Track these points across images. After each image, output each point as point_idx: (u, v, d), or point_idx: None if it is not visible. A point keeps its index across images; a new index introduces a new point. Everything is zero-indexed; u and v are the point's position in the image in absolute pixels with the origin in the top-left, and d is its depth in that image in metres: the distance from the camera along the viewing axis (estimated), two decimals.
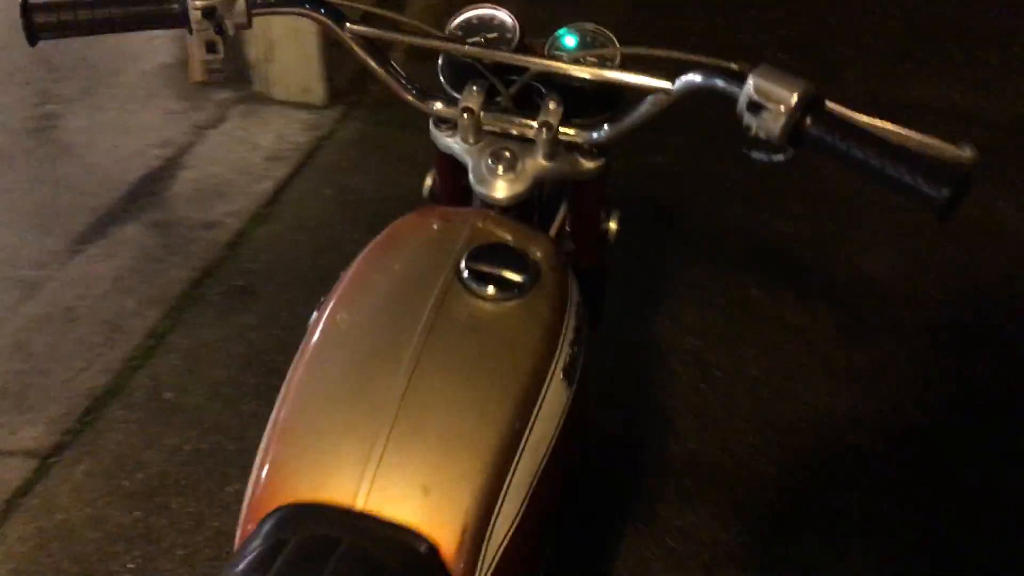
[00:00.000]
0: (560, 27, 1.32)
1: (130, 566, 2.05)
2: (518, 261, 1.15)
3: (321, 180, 3.17)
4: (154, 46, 3.78)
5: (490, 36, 1.31)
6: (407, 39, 1.28)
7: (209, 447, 2.30)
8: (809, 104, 1.00)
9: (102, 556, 2.06)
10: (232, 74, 3.59)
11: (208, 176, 3.18)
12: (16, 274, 2.80)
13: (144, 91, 3.61)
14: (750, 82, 1.02)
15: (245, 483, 1.04)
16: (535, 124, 1.24)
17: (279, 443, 1.02)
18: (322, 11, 1.24)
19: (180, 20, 1.17)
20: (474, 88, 1.25)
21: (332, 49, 3.45)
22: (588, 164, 1.32)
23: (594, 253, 1.52)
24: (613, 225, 1.47)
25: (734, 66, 1.09)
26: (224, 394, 2.43)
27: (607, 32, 1.30)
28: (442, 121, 1.32)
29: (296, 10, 1.23)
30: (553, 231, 1.49)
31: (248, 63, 3.51)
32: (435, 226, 1.22)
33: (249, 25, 1.22)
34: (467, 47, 1.25)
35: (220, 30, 1.17)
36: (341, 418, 1.01)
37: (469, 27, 1.32)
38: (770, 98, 1.01)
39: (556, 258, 1.22)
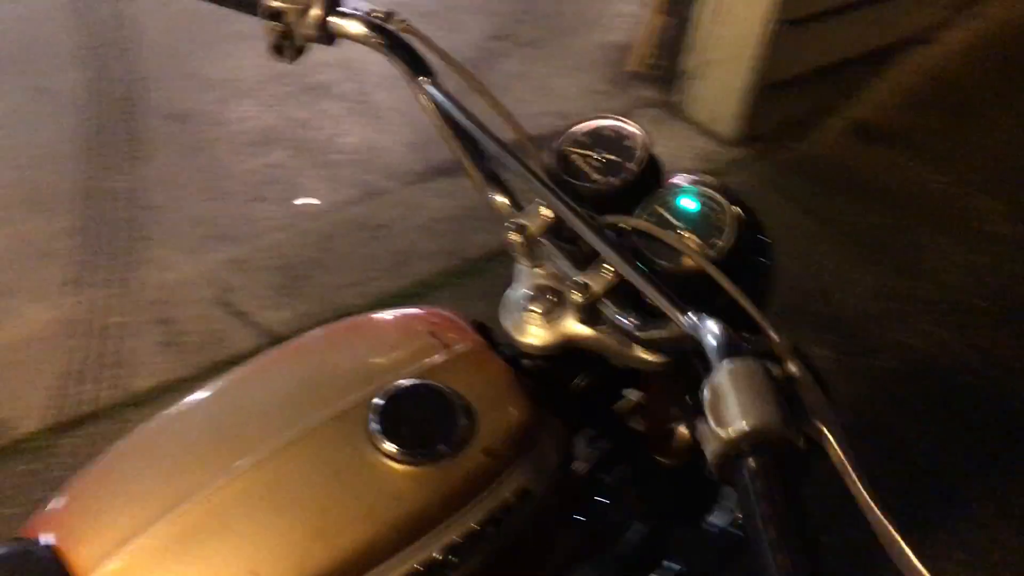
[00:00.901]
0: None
1: None
2: (447, 418, 0.94)
3: None
4: (616, 22, 3.77)
5: (608, 156, 1.06)
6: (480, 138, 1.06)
7: None
8: (758, 446, 0.67)
9: None
10: (668, 76, 3.48)
11: None
12: (366, 179, 3.03)
13: (582, 60, 3.64)
14: (721, 373, 0.71)
15: None
16: (577, 276, 0.98)
17: (81, 476, 0.96)
18: (404, 55, 1.08)
19: (249, 8, 1.10)
20: (540, 208, 1.02)
21: (771, 89, 3.19)
22: (645, 356, 1.03)
23: (666, 452, 1.22)
24: (685, 431, 1.16)
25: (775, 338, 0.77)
26: None
27: (726, 207, 0.99)
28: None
29: (374, 42, 1.09)
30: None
31: (681, 72, 3.35)
32: (392, 335, 1.04)
33: (326, 41, 1.11)
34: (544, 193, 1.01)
35: (286, 36, 1.08)
36: (133, 486, 0.91)
37: (593, 138, 1.08)
38: (718, 409, 0.69)
39: (520, 429, 0.99)
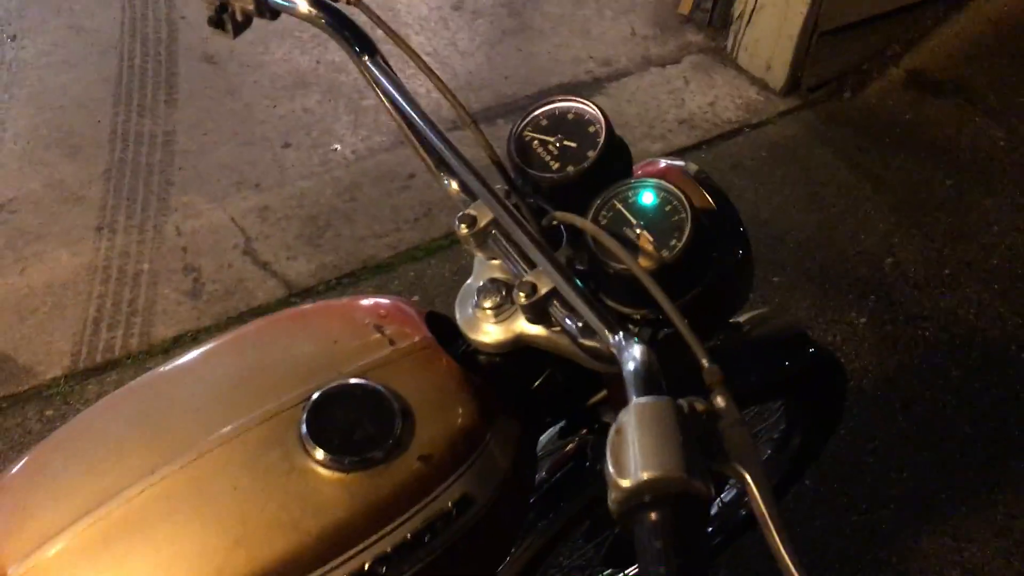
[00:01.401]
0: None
1: None
2: (383, 422, 0.90)
3: (706, 165, 2.84)
4: None
5: (568, 143, 0.98)
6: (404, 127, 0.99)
7: None
8: (659, 499, 0.62)
9: None
10: (718, 21, 3.32)
11: (613, 111, 2.99)
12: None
13: (629, 1, 3.49)
14: (629, 412, 0.65)
15: None
16: (525, 276, 0.92)
17: (2, 475, 0.95)
18: (346, 33, 1.01)
19: None
20: (488, 196, 0.95)
21: (825, 36, 3.02)
22: (596, 363, 0.97)
23: None
24: None
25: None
26: None
27: (686, 205, 0.91)
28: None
29: (315, 18, 1.02)
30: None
31: (732, 16, 3.19)
32: (335, 329, 0.99)
33: (268, 16, 1.04)
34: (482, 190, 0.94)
35: (225, 9, 1.02)
36: (54, 486, 0.89)
37: (554, 122, 1.01)
38: (619, 454, 0.64)
39: (460, 433, 0.94)
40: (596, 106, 1.00)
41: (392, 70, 1.01)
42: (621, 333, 0.76)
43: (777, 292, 2.52)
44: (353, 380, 0.92)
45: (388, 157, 2.85)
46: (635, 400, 0.65)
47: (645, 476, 0.61)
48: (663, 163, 1.10)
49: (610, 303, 0.95)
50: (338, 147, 2.87)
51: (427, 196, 2.72)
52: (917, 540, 2.07)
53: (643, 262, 0.90)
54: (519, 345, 0.97)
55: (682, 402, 0.66)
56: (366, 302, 1.04)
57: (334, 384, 0.91)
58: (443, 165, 1.00)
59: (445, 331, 1.03)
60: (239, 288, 2.47)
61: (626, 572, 1.72)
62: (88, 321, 2.38)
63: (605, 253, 0.90)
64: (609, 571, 1.68)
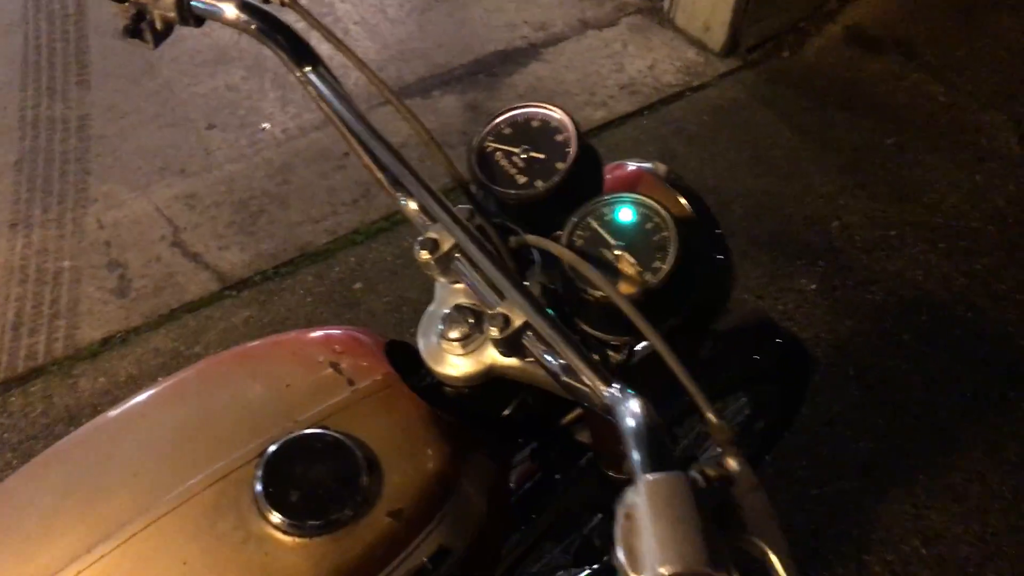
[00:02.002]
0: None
1: None
2: (346, 477, 0.82)
3: (647, 139, 2.78)
4: None
5: (534, 154, 0.90)
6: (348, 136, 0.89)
7: None
8: None
9: None
10: None
11: (552, 79, 2.93)
12: None
13: None
14: (639, 491, 0.58)
15: None
16: (496, 306, 0.83)
17: None
18: (282, 40, 0.91)
19: None
20: (448, 219, 0.86)
21: None
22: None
23: (615, 465, 1.10)
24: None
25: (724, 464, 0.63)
26: None
27: (669, 221, 0.84)
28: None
29: (244, 24, 0.91)
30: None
31: None
32: (287, 370, 0.90)
33: (192, 23, 0.93)
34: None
35: (141, 18, 0.90)
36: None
37: (515, 128, 0.92)
38: (632, 542, 0.57)
39: (439, 481, 0.86)
40: (563, 111, 0.91)
41: (337, 81, 0.91)
42: (616, 387, 0.69)
43: None
44: (310, 430, 0.83)
45: (320, 136, 2.72)
46: (644, 478, 0.57)
47: (665, 572, 0.54)
48: (631, 166, 1.02)
49: (588, 330, 0.87)
50: (267, 126, 2.73)
51: (364, 176, 2.60)
52: (877, 510, 2.06)
53: (624, 288, 0.82)
54: (489, 377, 0.89)
55: (695, 474, 0.59)
56: (318, 334, 0.95)
57: (289, 436, 0.83)
58: (398, 184, 0.90)
59: (407, 361, 0.94)
60: (169, 283, 2.34)
61: (594, 568, 1.67)
62: (7, 326, 2.23)
63: (582, 279, 0.82)
64: (584, 572, 1.63)
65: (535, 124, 0.91)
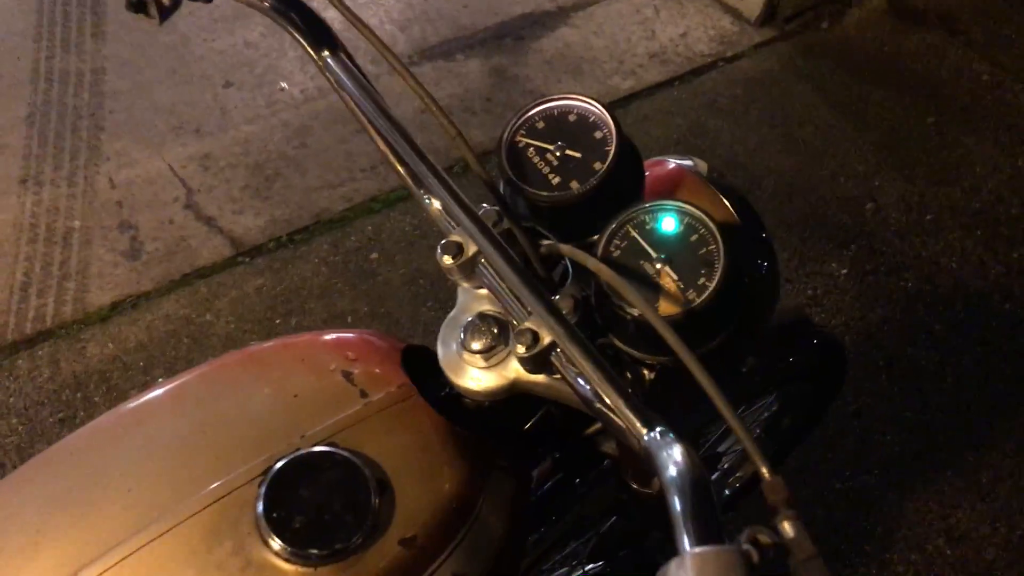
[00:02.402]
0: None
1: None
2: (356, 501, 0.76)
3: (677, 112, 2.68)
4: None
5: (571, 152, 0.82)
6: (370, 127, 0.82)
7: None
8: None
9: None
10: None
11: (580, 45, 2.83)
12: None
13: None
14: (684, 568, 0.51)
15: None
16: (524, 321, 0.77)
17: None
18: (302, 21, 0.83)
19: None
20: (471, 223, 0.79)
21: None
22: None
23: (640, 478, 1.03)
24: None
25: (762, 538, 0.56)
26: None
27: (716, 234, 0.76)
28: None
29: (261, 4, 0.84)
30: None
31: None
32: (296, 378, 0.83)
33: None
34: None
35: None
36: None
37: (549, 122, 0.84)
38: None
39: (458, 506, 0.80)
40: (602, 105, 0.83)
41: (358, 68, 0.84)
42: (659, 430, 0.62)
43: None
44: (318, 447, 0.77)
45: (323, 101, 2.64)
46: (690, 552, 0.51)
47: None
48: (672, 163, 0.95)
49: (621, 346, 0.80)
50: (285, 86, 2.65)
51: (370, 149, 2.52)
52: (902, 507, 2.00)
53: (665, 307, 0.75)
54: (513, 393, 0.83)
55: (747, 546, 0.52)
56: (330, 338, 0.88)
57: (295, 453, 0.77)
58: (420, 181, 0.83)
59: (425, 368, 0.88)
60: (181, 247, 2.28)
61: (610, 562, 1.62)
62: (15, 287, 2.18)
63: (620, 296, 0.75)
64: (596, 565, 1.58)
65: (571, 119, 0.84)
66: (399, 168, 0.83)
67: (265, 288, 2.20)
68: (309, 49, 0.83)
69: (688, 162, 0.95)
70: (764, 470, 0.58)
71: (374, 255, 2.28)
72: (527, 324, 0.73)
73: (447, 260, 0.79)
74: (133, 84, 2.63)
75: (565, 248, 0.75)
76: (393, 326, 2.14)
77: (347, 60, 0.83)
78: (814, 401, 1.55)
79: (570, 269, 0.81)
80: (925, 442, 2.09)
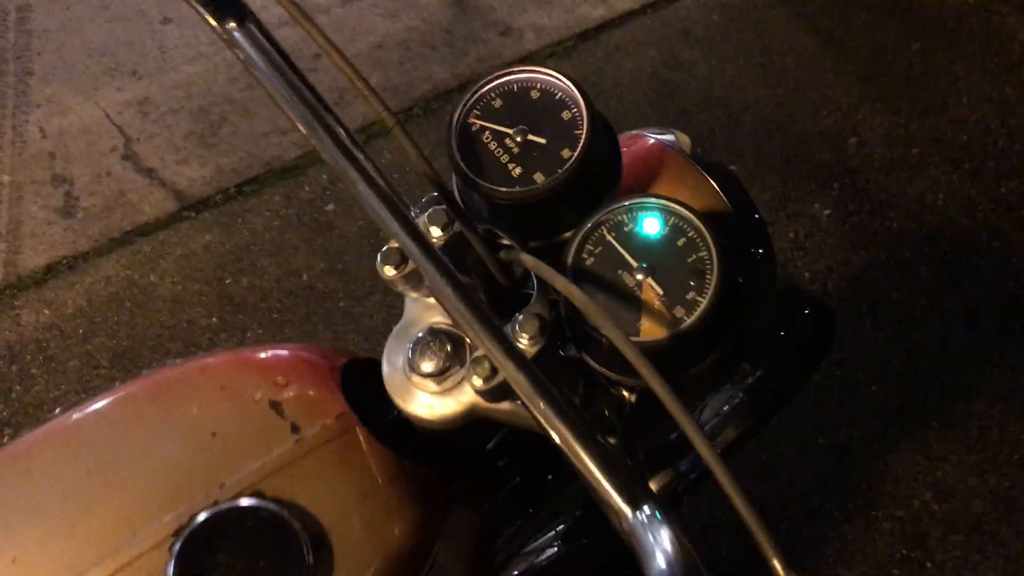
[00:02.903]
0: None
1: None
2: (286, 561, 0.64)
3: (650, 42, 2.52)
4: None
5: (534, 137, 0.69)
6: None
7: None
8: None
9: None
10: None
11: None
12: None
13: None
14: None
15: None
16: (480, 351, 0.65)
17: None
18: None
19: None
20: (433, 220, 0.66)
21: None
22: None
23: None
24: None
25: None
26: None
27: (708, 238, 0.64)
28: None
29: None
30: None
31: None
32: (215, 412, 0.70)
33: None
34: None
35: None
36: None
37: (508, 100, 0.70)
38: None
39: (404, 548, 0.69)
40: (569, 79, 0.69)
41: (274, 42, 0.69)
42: (646, 511, 0.50)
43: None
44: (241, 500, 0.65)
45: (290, 33, 2.43)
46: None
47: None
48: (650, 139, 0.81)
49: (597, 367, 0.68)
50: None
51: (336, 81, 2.35)
52: (888, 461, 1.92)
53: (648, 328, 0.63)
54: (471, 419, 0.71)
55: None
56: (256, 357, 0.75)
57: (213, 508, 0.64)
58: (353, 179, 0.69)
59: (371, 386, 0.75)
60: (121, 202, 2.12)
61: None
62: None
63: (592, 323, 0.62)
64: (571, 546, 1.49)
65: (534, 96, 0.70)
66: (329, 158, 0.69)
67: (213, 245, 2.05)
68: (209, 18, 0.68)
69: (668, 137, 0.81)
70: (773, 559, 0.47)
71: (330, 206, 2.14)
72: (483, 351, 0.61)
73: (388, 271, 0.66)
74: (62, 22, 2.42)
75: (528, 260, 0.62)
76: (351, 283, 2.01)
77: (258, 32, 0.69)
78: (803, 368, 1.45)
79: (536, 287, 0.68)
80: (911, 392, 2.01)
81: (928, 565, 1.81)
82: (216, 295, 1.97)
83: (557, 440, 0.55)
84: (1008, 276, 2.15)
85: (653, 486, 0.77)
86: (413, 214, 0.72)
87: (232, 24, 0.68)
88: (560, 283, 0.59)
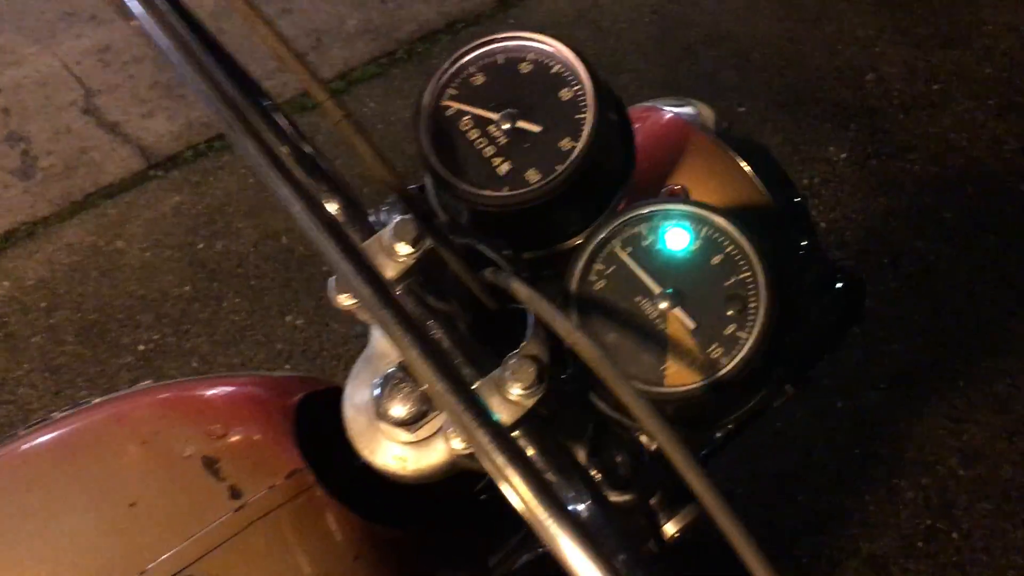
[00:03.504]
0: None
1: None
2: None
3: None
4: None
5: (526, 124, 0.54)
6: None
7: None
8: None
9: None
10: None
11: None
12: None
13: None
14: None
15: None
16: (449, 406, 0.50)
17: None
18: None
19: None
20: (399, 235, 0.52)
21: None
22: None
23: None
24: None
25: None
26: None
27: (753, 257, 0.49)
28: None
29: None
30: None
31: None
32: (135, 473, 0.57)
33: None
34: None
35: None
36: None
37: (493, 76, 0.55)
38: None
39: None
40: (569, 46, 0.54)
41: (191, 18, 0.55)
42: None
43: (745, 126, 2.11)
44: None
45: None
46: None
47: None
48: (666, 113, 0.66)
49: (607, 411, 0.54)
50: None
51: (315, 22, 2.18)
52: (910, 425, 1.80)
53: (674, 374, 0.49)
54: (453, 472, 0.57)
55: None
56: (190, 398, 0.61)
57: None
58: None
59: (335, 421, 0.61)
60: (82, 161, 1.96)
61: None
62: None
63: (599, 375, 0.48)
64: None
65: (524, 70, 0.55)
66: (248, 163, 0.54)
67: (184, 206, 1.90)
68: None
69: (688, 110, 0.66)
70: None
71: None
72: None
73: (343, 300, 0.52)
74: None
75: (522, 292, 0.48)
76: None
77: (170, 9, 0.54)
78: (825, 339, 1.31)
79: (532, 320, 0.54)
80: (936, 350, 1.88)
81: (954, 536, 1.70)
82: (188, 261, 1.83)
83: (537, 532, 0.42)
84: None
85: (674, 526, 0.65)
86: (373, 219, 0.58)
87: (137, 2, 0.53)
88: (562, 328, 0.45)
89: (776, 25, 2.26)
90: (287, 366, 1.70)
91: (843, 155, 2.10)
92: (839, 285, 1.10)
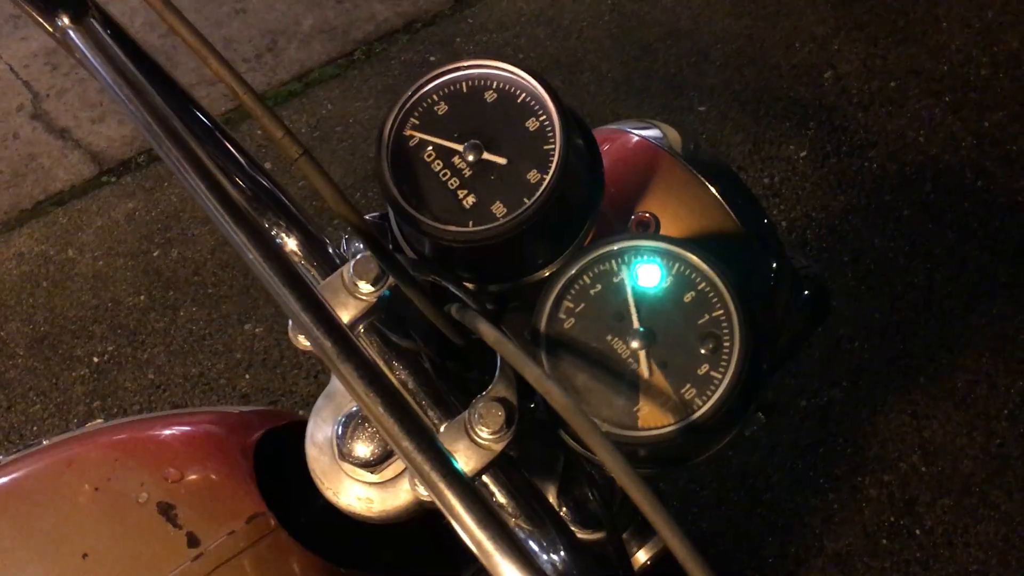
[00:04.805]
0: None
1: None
2: None
3: None
4: None
5: (492, 157, 0.52)
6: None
7: None
8: None
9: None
10: None
11: None
12: None
13: None
14: None
15: None
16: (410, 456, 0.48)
17: None
18: None
19: None
20: (360, 274, 0.50)
21: None
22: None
23: None
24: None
25: None
26: None
27: (727, 297, 0.48)
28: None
29: None
30: None
31: None
32: (87, 523, 0.55)
33: None
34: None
35: None
36: None
37: (456, 106, 0.53)
38: None
39: None
40: (534, 75, 0.52)
41: (124, 38, 0.52)
42: None
43: (705, 125, 2.11)
44: None
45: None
46: None
47: None
48: (632, 136, 0.65)
49: (578, 448, 0.53)
50: None
51: (273, 23, 2.14)
52: (873, 422, 1.82)
53: (648, 415, 0.48)
54: (420, 512, 0.55)
55: None
56: (143, 439, 0.58)
57: None
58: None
59: (298, 458, 0.59)
60: (31, 168, 1.91)
61: None
62: None
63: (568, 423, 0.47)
64: None
65: (489, 98, 0.53)
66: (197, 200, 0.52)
67: (138, 213, 1.86)
68: (34, 13, 0.50)
69: (653, 132, 0.65)
70: None
71: (267, 165, 1.94)
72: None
73: (302, 341, 0.50)
74: None
75: (489, 334, 0.46)
76: None
77: (101, 30, 0.51)
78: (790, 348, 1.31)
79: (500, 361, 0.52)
80: (896, 347, 1.89)
81: (917, 532, 1.72)
82: (143, 270, 1.79)
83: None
84: (994, 216, 2.03)
85: (645, 554, 0.64)
86: (332, 251, 0.56)
87: (65, 21, 0.50)
88: (532, 375, 0.43)
89: (735, 22, 2.26)
90: (247, 375, 1.67)
91: (803, 153, 2.10)
92: (806, 293, 1.09)
